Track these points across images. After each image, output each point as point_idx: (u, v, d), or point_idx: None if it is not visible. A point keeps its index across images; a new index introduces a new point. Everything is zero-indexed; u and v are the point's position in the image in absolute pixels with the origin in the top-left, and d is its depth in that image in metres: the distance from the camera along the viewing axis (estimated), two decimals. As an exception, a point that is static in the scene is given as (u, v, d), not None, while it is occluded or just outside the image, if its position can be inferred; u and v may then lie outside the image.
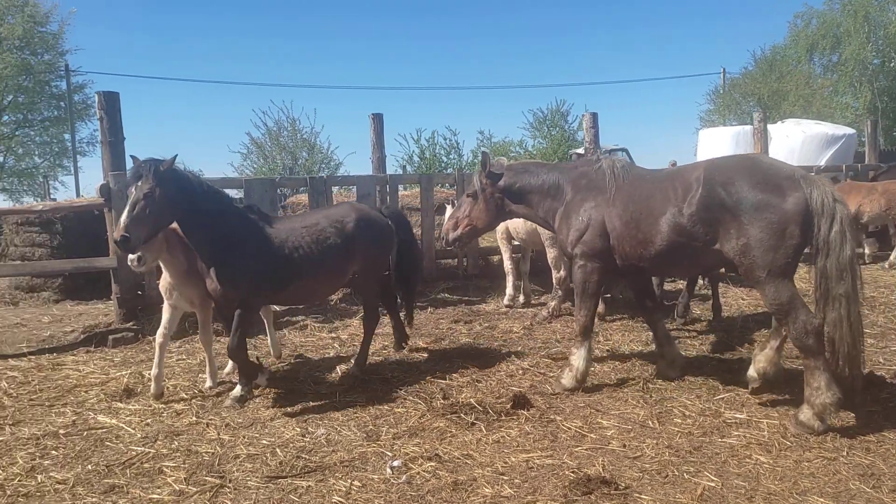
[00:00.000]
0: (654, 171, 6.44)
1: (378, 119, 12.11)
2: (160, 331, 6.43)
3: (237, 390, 6.31)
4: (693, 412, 5.88)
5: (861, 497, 4.31)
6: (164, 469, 5.01)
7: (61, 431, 5.83)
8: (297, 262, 6.26)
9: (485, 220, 6.91)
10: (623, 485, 4.59)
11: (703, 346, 7.95)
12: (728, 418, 5.70)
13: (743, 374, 6.39)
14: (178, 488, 4.69)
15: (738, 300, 10.47)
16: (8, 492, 4.70)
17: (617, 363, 7.35)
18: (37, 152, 41.59)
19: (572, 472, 4.79)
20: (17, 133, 39.87)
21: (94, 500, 4.56)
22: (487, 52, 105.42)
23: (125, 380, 7.09)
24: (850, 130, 19.26)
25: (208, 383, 6.73)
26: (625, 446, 5.25)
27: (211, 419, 6.00)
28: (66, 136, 41.16)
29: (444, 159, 28.58)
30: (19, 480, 4.89)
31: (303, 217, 6.80)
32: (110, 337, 8.66)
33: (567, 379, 6.42)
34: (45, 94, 39.51)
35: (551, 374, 6.99)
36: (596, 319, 7.04)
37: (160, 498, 4.57)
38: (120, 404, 6.44)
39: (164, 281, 6.40)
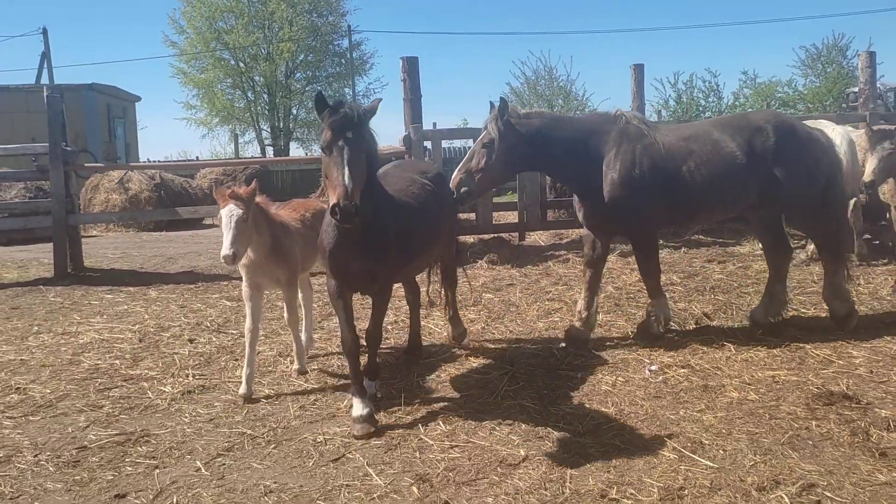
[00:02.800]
0: None
1: (639, 69, 12.64)
2: (248, 324, 5.82)
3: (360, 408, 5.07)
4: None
5: None
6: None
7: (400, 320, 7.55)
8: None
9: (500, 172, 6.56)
10: (865, 401, 5.15)
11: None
12: None
13: None
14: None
15: None
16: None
17: (875, 304, 7.57)
18: (323, 106, 46.61)
19: (816, 388, 5.42)
20: (307, 88, 45.24)
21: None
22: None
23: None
24: None
25: (295, 366, 6.28)
26: (872, 372, 5.72)
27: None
28: (347, 91, 46.02)
29: (703, 102, 27.85)
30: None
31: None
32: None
33: None
34: (329, 52, 44.32)
35: (803, 310, 7.44)
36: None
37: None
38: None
39: (247, 260, 5.68)
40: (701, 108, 27.38)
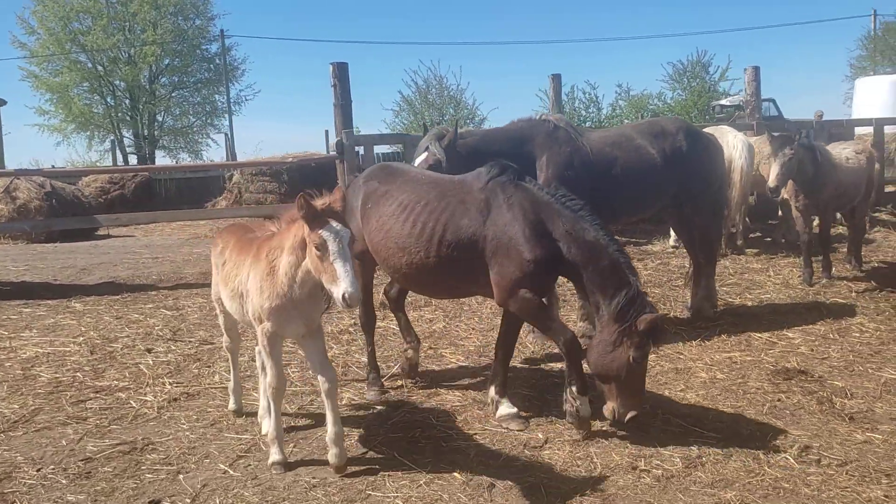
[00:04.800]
0: None
1: (556, 79, 13.21)
2: (273, 381, 4.42)
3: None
4: (869, 329, 6.94)
5: None
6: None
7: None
8: None
9: None
10: (817, 375, 5.81)
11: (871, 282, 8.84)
12: (902, 334, 6.73)
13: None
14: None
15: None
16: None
17: (789, 292, 8.45)
18: (191, 112, 44.87)
19: (771, 366, 6.05)
20: (173, 94, 43.36)
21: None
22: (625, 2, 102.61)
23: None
24: None
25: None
26: (812, 350, 6.44)
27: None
28: (217, 97, 44.45)
29: (583, 113, 29.26)
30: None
31: None
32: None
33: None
34: (196, 57, 42.75)
35: (729, 300, 8.19)
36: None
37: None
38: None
39: (283, 300, 4.17)
40: (582, 119, 28.76)
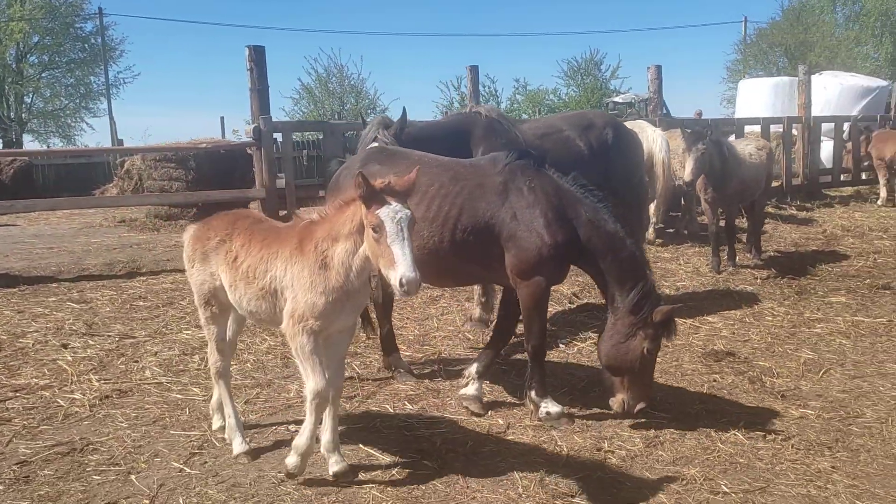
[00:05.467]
0: None
1: (474, 70, 13.22)
2: (321, 387, 3.84)
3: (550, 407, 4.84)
4: (780, 312, 7.43)
5: (924, 364, 5.87)
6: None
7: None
8: None
9: None
10: (742, 356, 6.16)
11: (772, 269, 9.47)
12: (809, 317, 7.25)
13: (813, 292, 7.93)
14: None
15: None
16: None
17: (701, 279, 8.92)
18: (63, 94, 42.17)
19: (701, 349, 6.37)
20: (43, 74, 40.61)
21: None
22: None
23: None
24: (883, 82, 20.45)
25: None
26: (734, 333, 6.82)
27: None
28: (92, 79, 41.99)
29: (468, 107, 29.68)
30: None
31: None
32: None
33: None
34: (69, 35, 40.23)
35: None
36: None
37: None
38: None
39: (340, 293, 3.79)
40: (482, 112, 29.20)
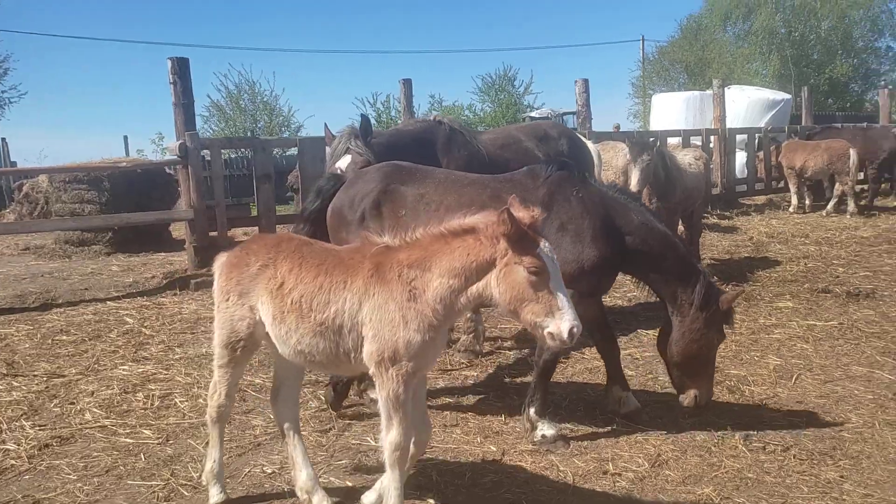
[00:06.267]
0: None
1: (407, 84, 12.93)
2: (401, 439, 3.41)
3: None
4: (736, 320, 7.45)
5: (886, 367, 5.97)
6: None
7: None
8: None
9: None
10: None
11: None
12: (765, 323, 7.32)
13: (760, 298, 8.04)
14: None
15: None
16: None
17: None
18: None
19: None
20: None
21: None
22: (438, 20, 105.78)
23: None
24: (786, 95, 21.49)
25: None
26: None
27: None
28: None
29: (399, 122, 29.50)
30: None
31: None
32: (192, 281, 9.55)
33: None
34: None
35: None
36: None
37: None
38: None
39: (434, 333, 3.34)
40: (399, 128, 28.99)
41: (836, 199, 15.39)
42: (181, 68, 9.80)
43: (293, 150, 19.61)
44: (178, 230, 15.02)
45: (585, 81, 14.02)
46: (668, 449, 4.48)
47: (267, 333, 3.57)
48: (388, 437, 3.32)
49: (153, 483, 4.22)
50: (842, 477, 4.09)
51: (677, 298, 4.71)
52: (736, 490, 3.98)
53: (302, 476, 3.73)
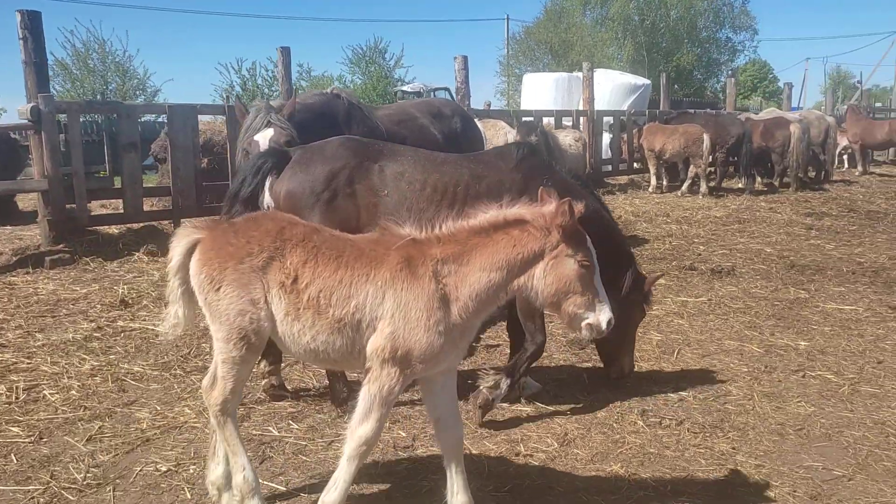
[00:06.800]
0: None
1: (285, 52, 12.33)
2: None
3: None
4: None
5: (754, 340, 6.43)
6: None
7: (96, 334, 6.33)
8: None
9: None
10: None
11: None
12: (643, 300, 7.68)
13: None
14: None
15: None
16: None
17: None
18: None
19: (563, 337, 6.45)
20: None
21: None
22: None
23: (120, 291, 7.53)
24: (646, 81, 22.65)
25: None
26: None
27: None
28: None
29: (266, 91, 28.42)
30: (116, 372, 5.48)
31: None
32: (47, 258, 8.73)
33: None
34: None
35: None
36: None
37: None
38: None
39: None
40: (266, 96, 27.90)
41: (689, 181, 16.42)
42: (33, 22, 8.83)
43: (148, 117, 18.60)
44: (25, 202, 13.71)
45: (465, 58, 14.01)
46: (574, 428, 4.59)
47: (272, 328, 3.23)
48: (361, 429, 3.11)
49: (30, 487, 3.81)
50: (734, 449, 4.35)
51: (612, 282, 4.83)
52: (641, 466, 4.14)
53: (217, 471, 3.48)
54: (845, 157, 23.07)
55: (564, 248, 3.11)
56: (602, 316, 3.19)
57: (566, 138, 10.06)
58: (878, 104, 39.14)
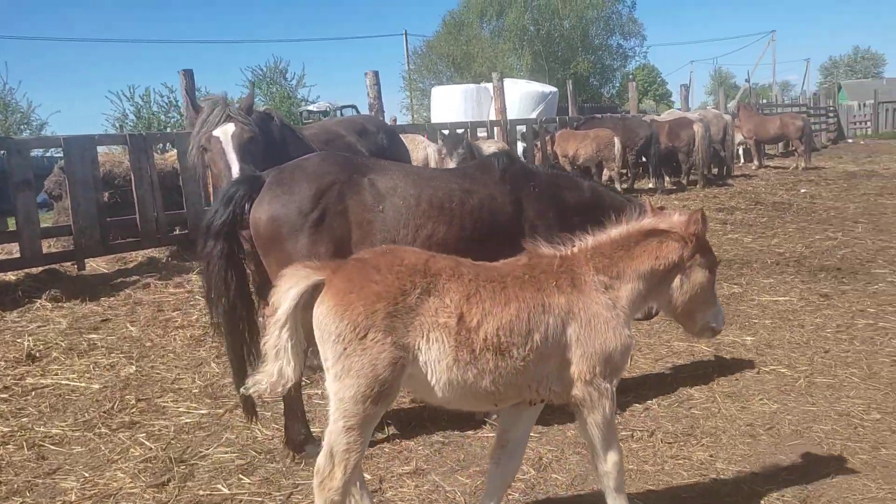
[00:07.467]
0: None
1: (188, 75, 11.76)
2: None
3: None
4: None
5: (700, 340, 6.40)
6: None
7: (3, 395, 5.68)
8: None
9: None
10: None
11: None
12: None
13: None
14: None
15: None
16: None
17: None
18: None
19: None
20: None
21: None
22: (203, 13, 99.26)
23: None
24: (553, 88, 23.02)
25: None
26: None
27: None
28: None
29: (163, 118, 27.22)
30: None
31: None
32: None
33: None
34: None
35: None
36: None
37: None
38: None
39: None
40: (162, 124, 26.72)
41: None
42: None
43: (36, 152, 17.33)
44: None
45: (376, 73, 13.74)
46: (547, 451, 4.37)
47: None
48: (611, 459, 3.09)
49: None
50: (711, 457, 4.24)
51: None
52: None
53: None
54: (741, 151, 24.14)
55: (698, 257, 3.15)
56: (720, 317, 3.33)
57: (490, 148, 9.95)
58: (764, 101, 41.37)
